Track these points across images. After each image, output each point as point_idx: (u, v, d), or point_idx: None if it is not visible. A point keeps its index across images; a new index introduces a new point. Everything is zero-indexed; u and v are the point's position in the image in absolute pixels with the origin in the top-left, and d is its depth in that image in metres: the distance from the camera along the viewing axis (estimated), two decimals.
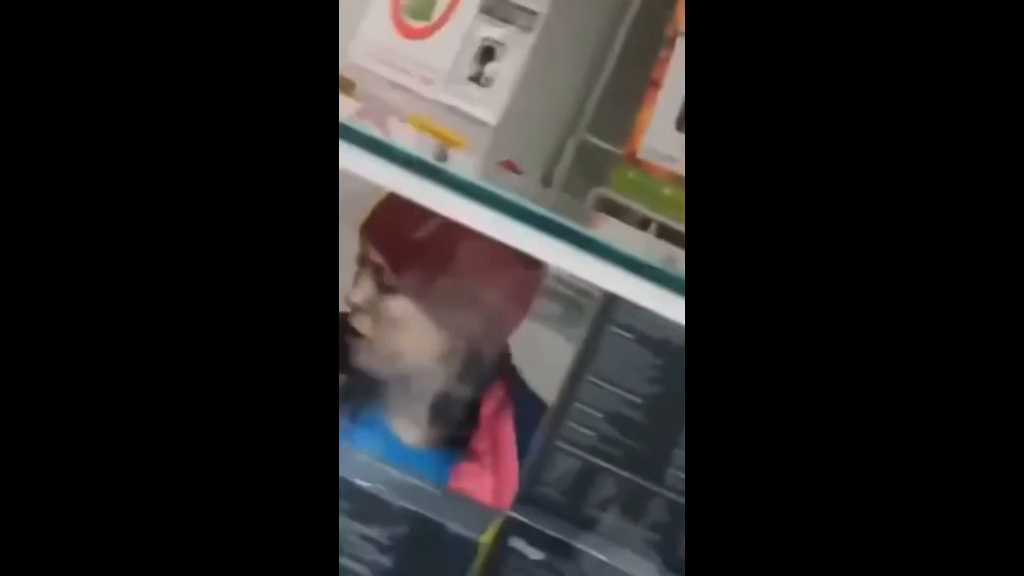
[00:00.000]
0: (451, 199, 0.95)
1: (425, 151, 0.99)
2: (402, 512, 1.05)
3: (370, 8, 1.54)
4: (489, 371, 1.59)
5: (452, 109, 1.47)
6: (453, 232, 1.50)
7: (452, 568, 1.04)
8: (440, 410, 1.58)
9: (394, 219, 1.55)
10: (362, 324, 1.55)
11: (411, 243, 1.53)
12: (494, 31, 1.46)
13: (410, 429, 1.59)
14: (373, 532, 1.06)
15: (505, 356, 1.62)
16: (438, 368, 1.57)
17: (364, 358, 1.56)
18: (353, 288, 1.55)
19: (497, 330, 1.59)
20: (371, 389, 1.58)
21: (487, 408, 1.58)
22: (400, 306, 1.54)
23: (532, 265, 1.55)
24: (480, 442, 1.57)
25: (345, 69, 1.57)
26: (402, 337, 1.55)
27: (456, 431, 1.59)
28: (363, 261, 1.56)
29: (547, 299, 1.74)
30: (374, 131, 0.97)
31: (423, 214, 1.53)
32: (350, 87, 1.51)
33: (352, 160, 0.94)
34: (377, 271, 1.54)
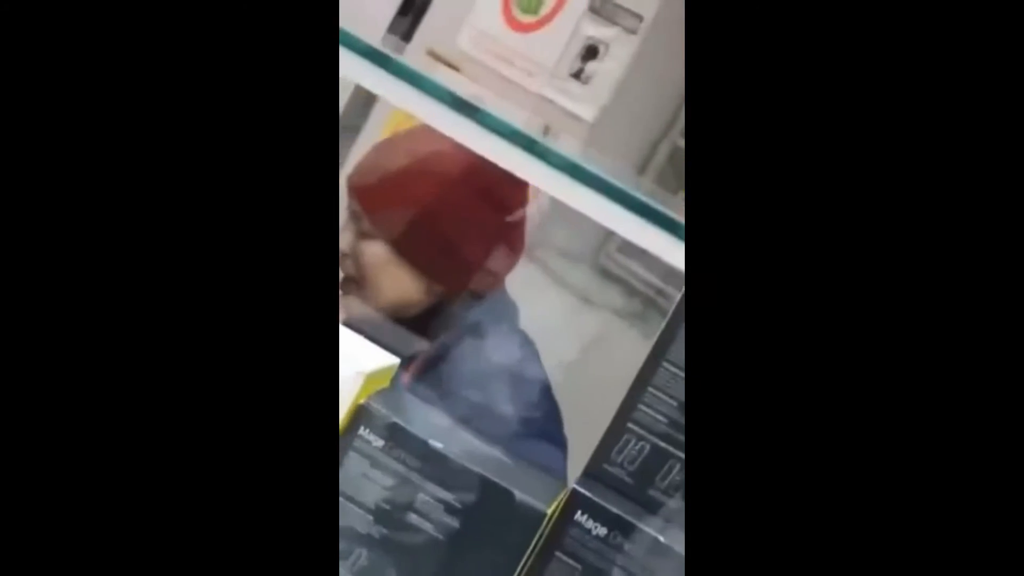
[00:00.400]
0: (551, 176, 0.98)
1: (532, 128, 1.03)
2: (473, 477, 1.09)
3: None
4: (459, 318, 1.64)
5: (551, 103, 1.51)
6: (428, 181, 1.56)
7: (517, 535, 1.07)
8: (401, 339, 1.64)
9: (371, 169, 1.65)
10: (348, 268, 1.65)
11: (385, 191, 1.60)
12: (599, 31, 1.50)
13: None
14: (443, 494, 1.09)
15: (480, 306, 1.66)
16: (414, 309, 1.64)
17: (354, 298, 1.65)
18: (340, 234, 1.65)
19: (481, 276, 1.65)
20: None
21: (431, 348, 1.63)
22: (375, 251, 1.61)
23: (512, 218, 1.59)
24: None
25: (450, 55, 1.61)
26: (380, 280, 1.63)
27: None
28: (349, 209, 1.66)
29: (626, 296, 1.76)
30: (484, 104, 1.00)
31: (398, 164, 1.59)
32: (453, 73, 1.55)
33: (450, 127, 0.98)
34: (356, 218, 1.64)
